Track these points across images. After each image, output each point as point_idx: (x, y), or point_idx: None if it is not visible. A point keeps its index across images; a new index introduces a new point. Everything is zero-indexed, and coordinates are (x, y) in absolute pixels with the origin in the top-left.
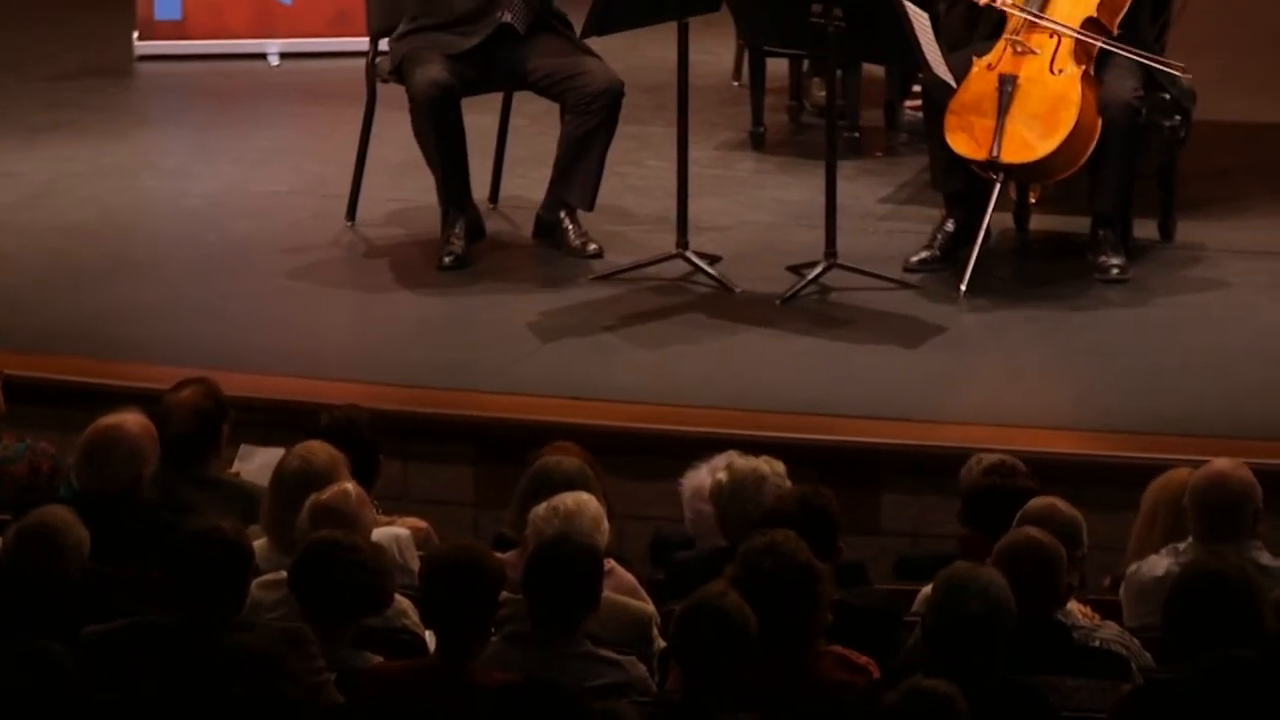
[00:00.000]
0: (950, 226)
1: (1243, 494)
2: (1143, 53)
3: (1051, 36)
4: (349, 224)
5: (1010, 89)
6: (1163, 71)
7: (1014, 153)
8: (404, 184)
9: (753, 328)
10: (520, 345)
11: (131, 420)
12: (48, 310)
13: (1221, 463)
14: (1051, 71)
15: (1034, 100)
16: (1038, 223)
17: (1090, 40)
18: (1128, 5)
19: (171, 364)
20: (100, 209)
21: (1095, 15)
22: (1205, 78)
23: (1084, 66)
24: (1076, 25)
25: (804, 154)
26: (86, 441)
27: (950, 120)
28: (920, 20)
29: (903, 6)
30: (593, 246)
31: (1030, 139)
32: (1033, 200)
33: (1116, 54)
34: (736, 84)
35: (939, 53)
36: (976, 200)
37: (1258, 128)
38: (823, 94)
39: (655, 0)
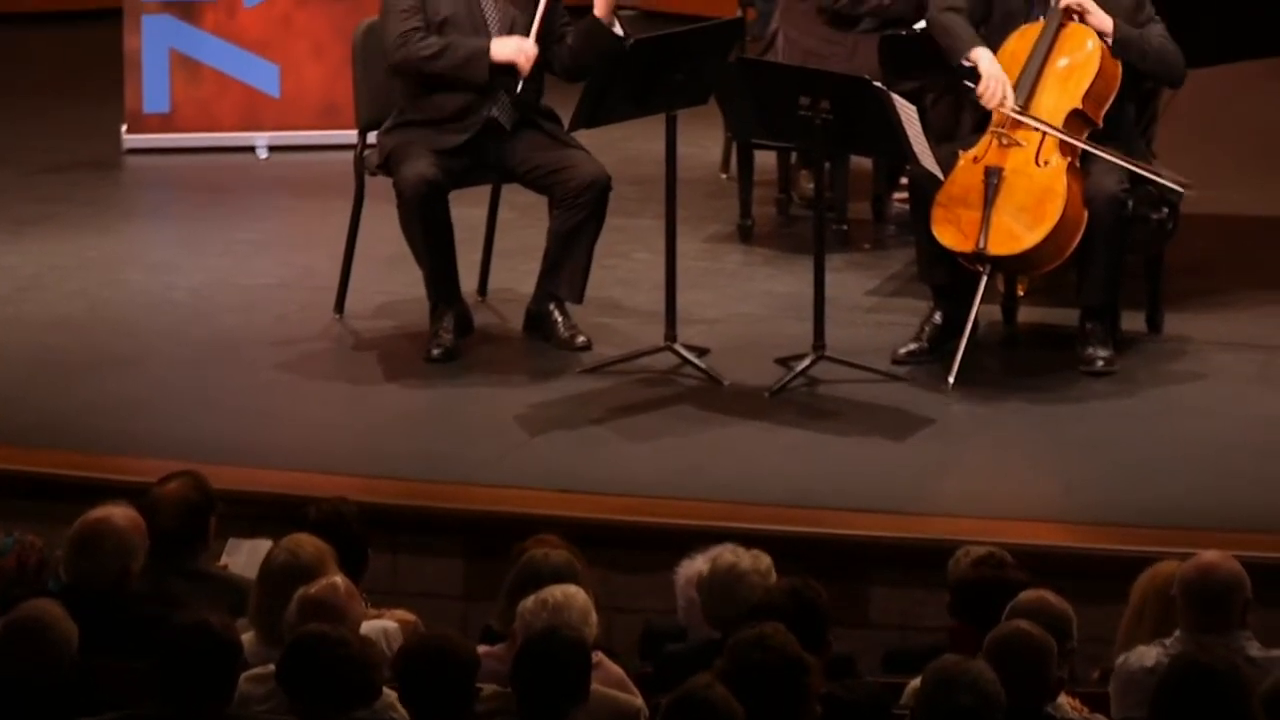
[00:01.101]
0: (938, 319)
1: (1232, 585)
2: (1124, 157)
3: (1037, 129)
4: (337, 316)
5: (996, 181)
6: (1151, 171)
7: (1000, 245)
8: (392, 276)
9: (741, 420)
10: (509, 438)
11: (119, 513)
12: (35, 403)
13: (1210, 554)
14: (1037, 164)
15: (1020, 192)
16: (1025, 315)
17: (1072, 142)
18: (1113, 97)
19: (159, 457)
20: (87, 302)
21: (1080, 108)
22: (1192, 171)
23: (1069, 159)
24: (1062, 118)
25: (792, 246)
26: (74, 535)
27: (937, 213)
28: (907, 113)
29: (890, 99)
30: (581, 339)
31: (1016, 231)
32: (1020, 293)
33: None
34: (724, 176)
35: (926, 145)
36: (964, 292)
37: (1244, 221)
38: (810, 186)
39: (643, 93)
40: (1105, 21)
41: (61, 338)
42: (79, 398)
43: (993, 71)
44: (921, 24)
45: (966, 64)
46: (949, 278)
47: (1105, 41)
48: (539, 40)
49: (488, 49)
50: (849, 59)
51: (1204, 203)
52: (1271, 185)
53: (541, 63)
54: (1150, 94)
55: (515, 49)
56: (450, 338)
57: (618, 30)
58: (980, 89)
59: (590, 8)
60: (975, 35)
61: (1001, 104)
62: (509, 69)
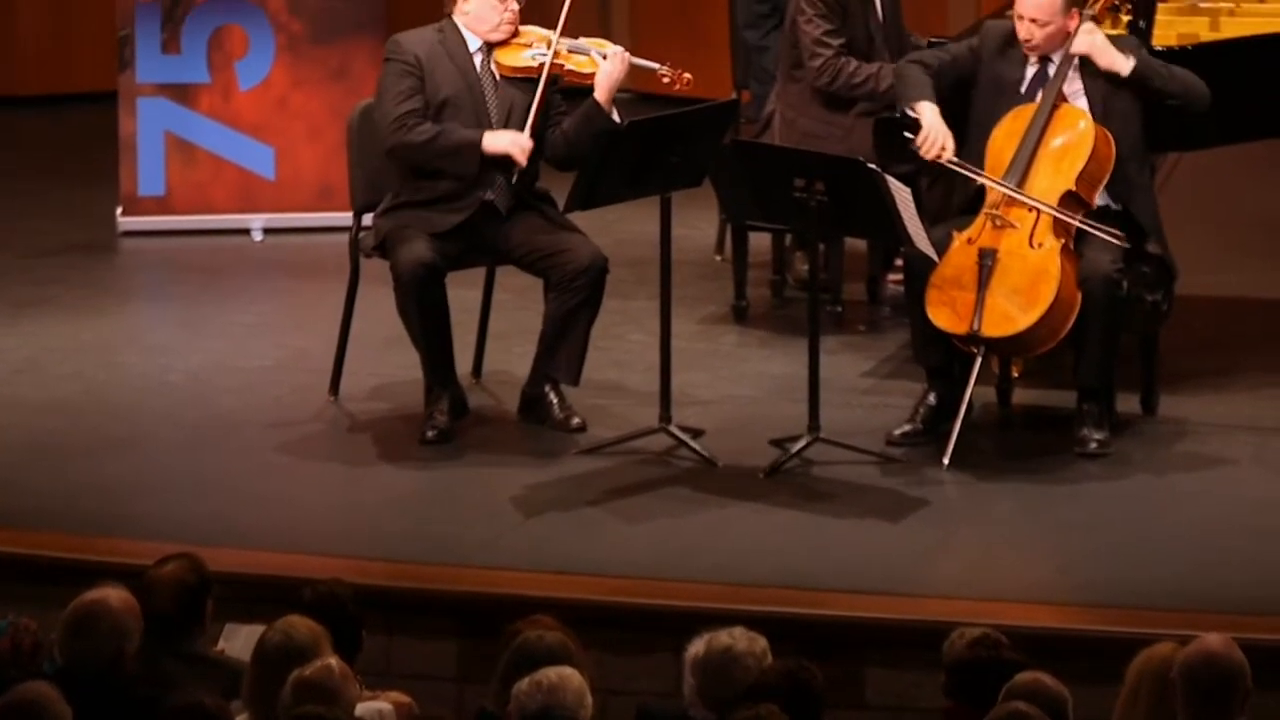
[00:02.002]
0: (933, 400)
1: (1235, 675)
2: (1117, 233)
3: (1030, 211)
4: (332, 398)
5: (990, 263)
6: (1153, 252)
7: (994, 326)
8: (387, 358)
9: (736, 501)
10: (504, 519)
11: (114, 595)
12: (30, 486)
13: (1214, 641)
14: (1031, 245)
15: (1014, 274)
16: (1020, 397)
17: (1066, 219)
18: (1106, 179)
19: (154, 539)
20: (83, 384)
21: (1074, 189)
22: (1188, 252)
23: (1063, 240)
24: (1056, 199)
25: (787, 328)
26: (69, 617)
27: (931, 294)
28: (902, 194)
29: (884, 181)
30: (576, 420)
31: (1011, 312)
32: (1015, 375)
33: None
34: (719, 258)
35: (921, 227)
36: (958, 374)
37: (1239, 303)
38: (805, 268)
39: (638, 175)
40: (1118, 60)
41: (57, 420)
42: (74, 480)
43: (933, 123)
44: None
45: (910, 113)
46: (944, 359)
47: (1122, 75)
48: (534, 132)
49: (479, 141)
50: (845, 140)
51: (1200, 284)
52: (1267, 268)
53: (537, 148)
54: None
55: (509, 142)
56: (445, 420)
57: (615, 118)
58: (919, 139)
59: (587, 91)
60: (928, 89)
61: (939, 156)
62: (503, 161)
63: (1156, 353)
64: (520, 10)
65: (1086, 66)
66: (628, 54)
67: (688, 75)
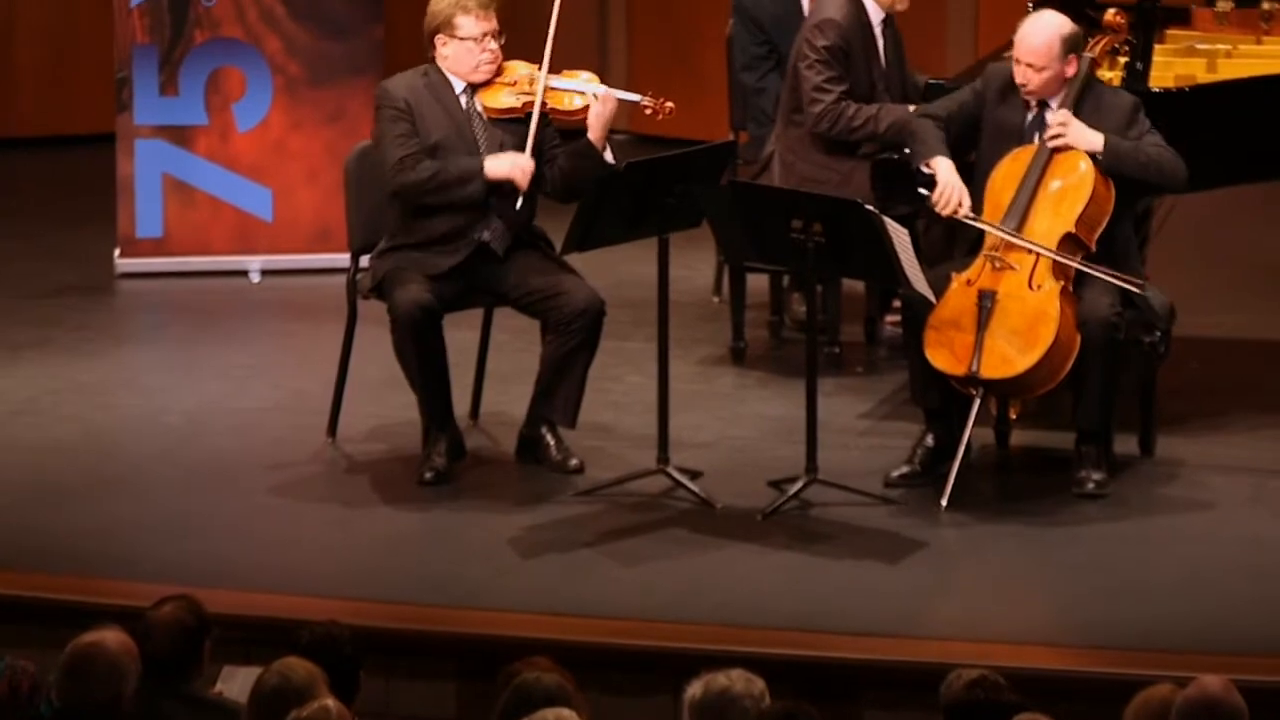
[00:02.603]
0: (930, 441)
1: (1234, 717)
2: (1116, 273)
3: (1030, 252)
4: (330, 440)
5: (989, 305)
6: (1140, 295)
7: (993, 368)
8: (385, 400)
9: (734, 543)
10: (501, 561)
11: (112, 637)
12: (27, 527)
13: (1212, 683)
14: (1030, 287)
15: (1013, 316)
16: (1018, 438)
17: (1065, 261)
18: (1106, 221)
19: (152, 580)
20: (81, 426)
21: (1074, 232)
22: (1186, 294)
23: (1063, 283)
24: (1055, 241)
25: (784, 369)
26: (67, 659)
27: (929, 336)
28: (900, 237)
29: (882, 223)
30: (574, 461)
31: (1009, 354)
32: (1013, 416)
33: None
34: (717, 299)
35: (919, 269)
36: (956, 415)
37: (1237, 344)
38: (803, 309)
39: (635, 216)
40: (1094, 142)
41: (55, 461)
42: (72, 521)
43: (949, 179)
44: None
45: (925, 170)
46: (941, 400)
47: (1097, 160)
48: (533, 155)
49: (482, 168)
50: (844, 185)
51: (1197, 326)
52: (1264, 309)
53: (535, 183)
54: (1144, 215)
55: (510, 165)
56: (443, 461)
57: (609, 157)
58: (935, 196)
59: (580, 132)
60: (941, 143)
61: (955, 212)
62: (506, 187)
63: (1154, 394)
64: (501, 47)
65: (1083, 111)
66: (611, 91)
67: (670, 104)
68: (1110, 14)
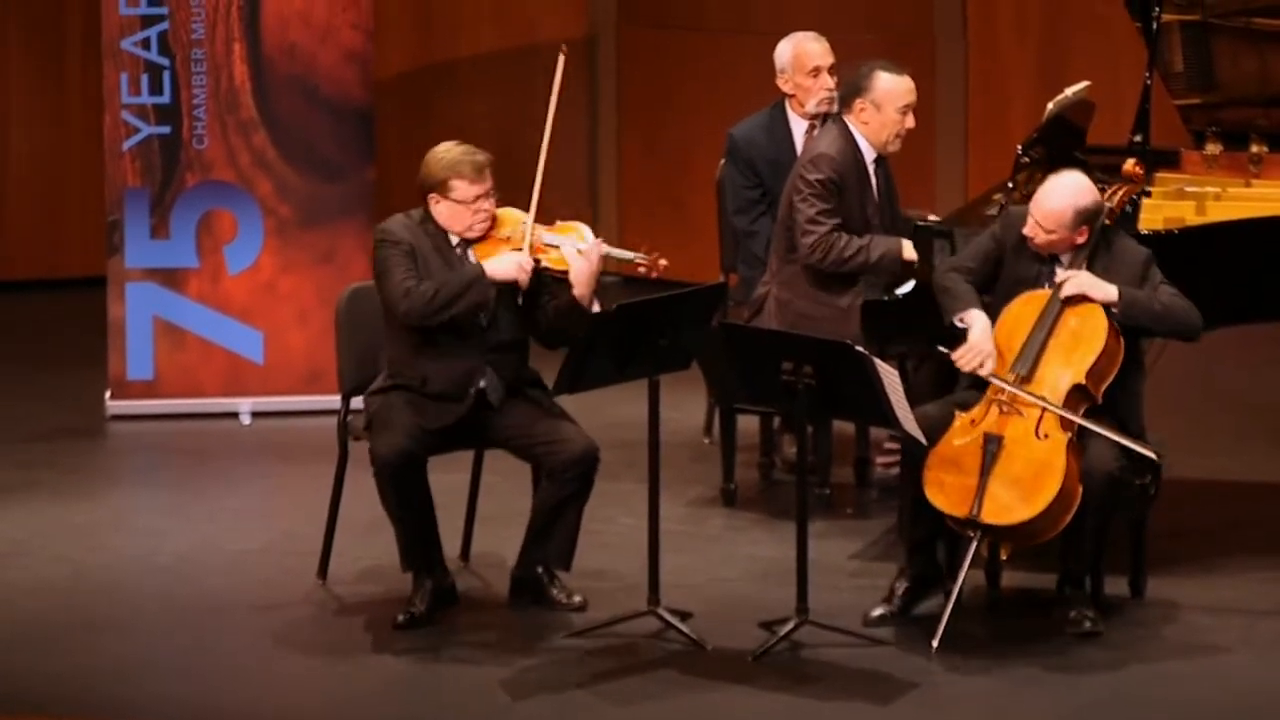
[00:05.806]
0: (907, 581)
1: None
2: (1124, 435)
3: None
4: (320, 582)
5: (995, 449)
6: (1135, 442)
7: (994, 515)
8: (375, 541)
9: (725, 685)
10: (493, 702)
11: None
12: (17, 669)
13: None
14: (1037, 436)
15: (1019, 463)
16: (1009, 579)
17: (1070, 418)
18: (1114, 374)
19: None
20: (72, 568)
21: (1083, 383)
22: (1178, 433)
23: (1069, 434)
24: (1064, 392)
25: (775, 511)
26: None
27: (929, 474)
28: (890, 378)
29: (873, 364)
30: (577, 599)
31: (1011, 503)
32: (1004, 557)
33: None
34: (707, 441)
35: (909, 409)
36: (936, 551)
37: (1226, 485)
38: (793, 451)
39: (626, 358)
40: (1108, 293)
41: (45, 603)
42: (62, 662)
43: (979, 342)
44: (907, 288)
45: (960, 324)
46: (929, 535)
47: (1112, 311)
48: (526, 301)
49: (483, 272)
50: (841, 322)
51: (1186, 467)
52: (1255, 450)
53: (527, 328)
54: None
55: (510, 263)
56: (421, 607)
57: (595, 309)
58: (960, 353)
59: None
60: (975, 297)
61: (976, 370)
62: (510, 288)
63: (1145, 535)
64: (493, 206)
65: (1096, 263)
66: (603, 244)
67: (664, 261)
68: (1129, 164)
